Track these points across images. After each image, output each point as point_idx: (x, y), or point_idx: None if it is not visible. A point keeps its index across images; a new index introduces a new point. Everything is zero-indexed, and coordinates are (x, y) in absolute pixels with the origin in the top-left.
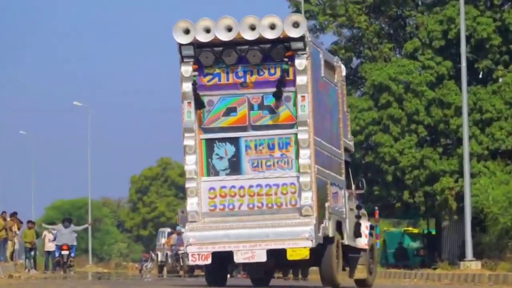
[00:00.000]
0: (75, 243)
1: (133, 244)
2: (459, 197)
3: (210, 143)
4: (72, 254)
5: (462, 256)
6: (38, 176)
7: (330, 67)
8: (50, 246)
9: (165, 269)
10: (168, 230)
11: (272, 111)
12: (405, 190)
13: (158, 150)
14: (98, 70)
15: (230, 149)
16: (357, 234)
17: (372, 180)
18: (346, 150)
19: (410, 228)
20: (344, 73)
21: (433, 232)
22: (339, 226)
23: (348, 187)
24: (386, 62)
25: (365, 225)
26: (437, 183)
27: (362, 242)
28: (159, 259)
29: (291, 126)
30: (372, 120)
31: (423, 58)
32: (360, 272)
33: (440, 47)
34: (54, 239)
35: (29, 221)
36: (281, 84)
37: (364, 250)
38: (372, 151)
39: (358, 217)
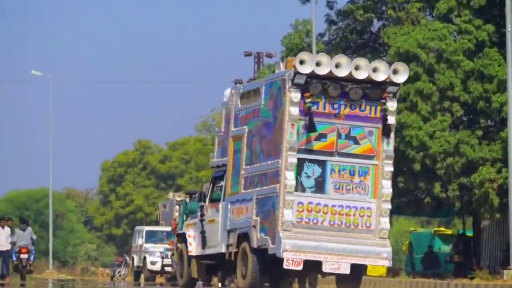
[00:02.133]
0: (33, 247)
1: (103, 245)
2: (502, 191)
3: (301, 163)
4: (32, 258)
5: (505, 263)
6: None
7: None
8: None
9: (142, 276)
10: (147, 228)
11: (357, 142)
12: (436, 182)
13: (135, 131)
14: (61, 35)
15: (317, 170)
16: None
17: (396, 170)
18: None
19: (442, 229)
20: None
21: (470, 234)
22: None
23: None
24: (414, 25)
25: None
26: (476, 173)
27: None
28: (135, 263)
29: (371, 158)
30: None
31: (459, 20)
32: None
33: (480, 7)
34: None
35: None
36: (385, 122)
37: None
38: (397, 134)
39: None
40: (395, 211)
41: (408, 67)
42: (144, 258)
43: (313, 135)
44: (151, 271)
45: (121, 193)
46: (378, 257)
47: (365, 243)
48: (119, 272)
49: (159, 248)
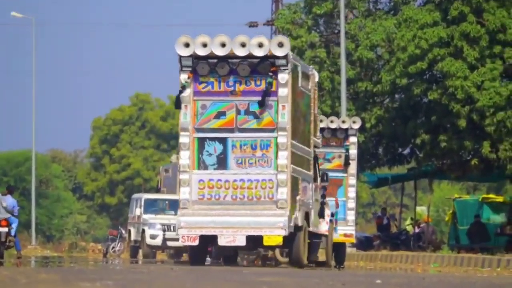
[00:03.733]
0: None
1: (95, 217)
2: None
3: (201, 141)
4: (13, 232)
5: None
6: None
7: (305, 76)
8: None
9: (140, 252)
10: (146, 196)
11: (256, 116)
12: (485, 141)
13: (132, 82)
14: None
15: (219, 147)
16: (321, 215)
17: (438, 126)
18: (315, 146)
19: (491, 196)
20: (316, 79)
21: None
22: (306, 216)
23: (314, 180)
24: None
25: (326, 213)
26: None
27: (323, 228)
28: (132, 237)
29: (272, 130)
30: (439, 40)
31: None
32: (321, 255)
33: None
34: None
35: None
36: (265, 94)
37: (325, 235)
38: (438, 84)
39: (323, 203)
40: (436, 175)
41: (452, 6)
42: (143, 231)
43: (212, 113)
44: (151, 247)
45: (115, 155)
46: (273, 227)
47: (265, 214)
48: (113, 248)
49: (160, 219)
